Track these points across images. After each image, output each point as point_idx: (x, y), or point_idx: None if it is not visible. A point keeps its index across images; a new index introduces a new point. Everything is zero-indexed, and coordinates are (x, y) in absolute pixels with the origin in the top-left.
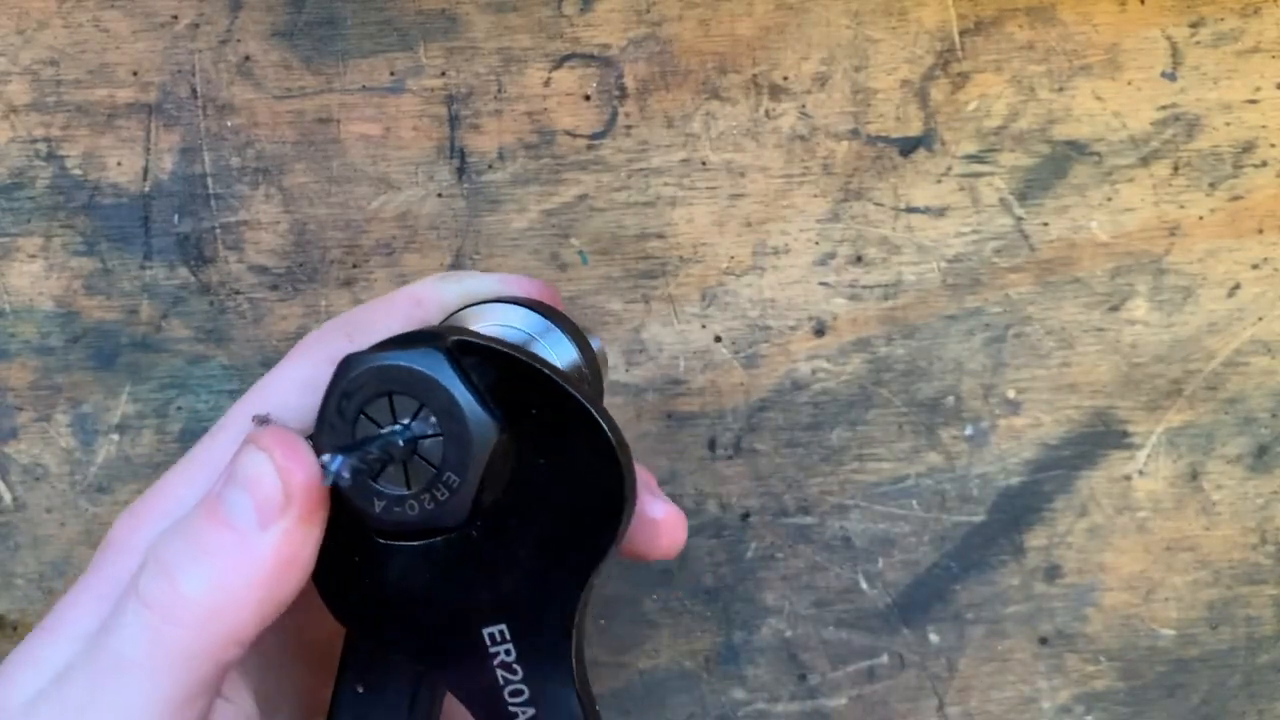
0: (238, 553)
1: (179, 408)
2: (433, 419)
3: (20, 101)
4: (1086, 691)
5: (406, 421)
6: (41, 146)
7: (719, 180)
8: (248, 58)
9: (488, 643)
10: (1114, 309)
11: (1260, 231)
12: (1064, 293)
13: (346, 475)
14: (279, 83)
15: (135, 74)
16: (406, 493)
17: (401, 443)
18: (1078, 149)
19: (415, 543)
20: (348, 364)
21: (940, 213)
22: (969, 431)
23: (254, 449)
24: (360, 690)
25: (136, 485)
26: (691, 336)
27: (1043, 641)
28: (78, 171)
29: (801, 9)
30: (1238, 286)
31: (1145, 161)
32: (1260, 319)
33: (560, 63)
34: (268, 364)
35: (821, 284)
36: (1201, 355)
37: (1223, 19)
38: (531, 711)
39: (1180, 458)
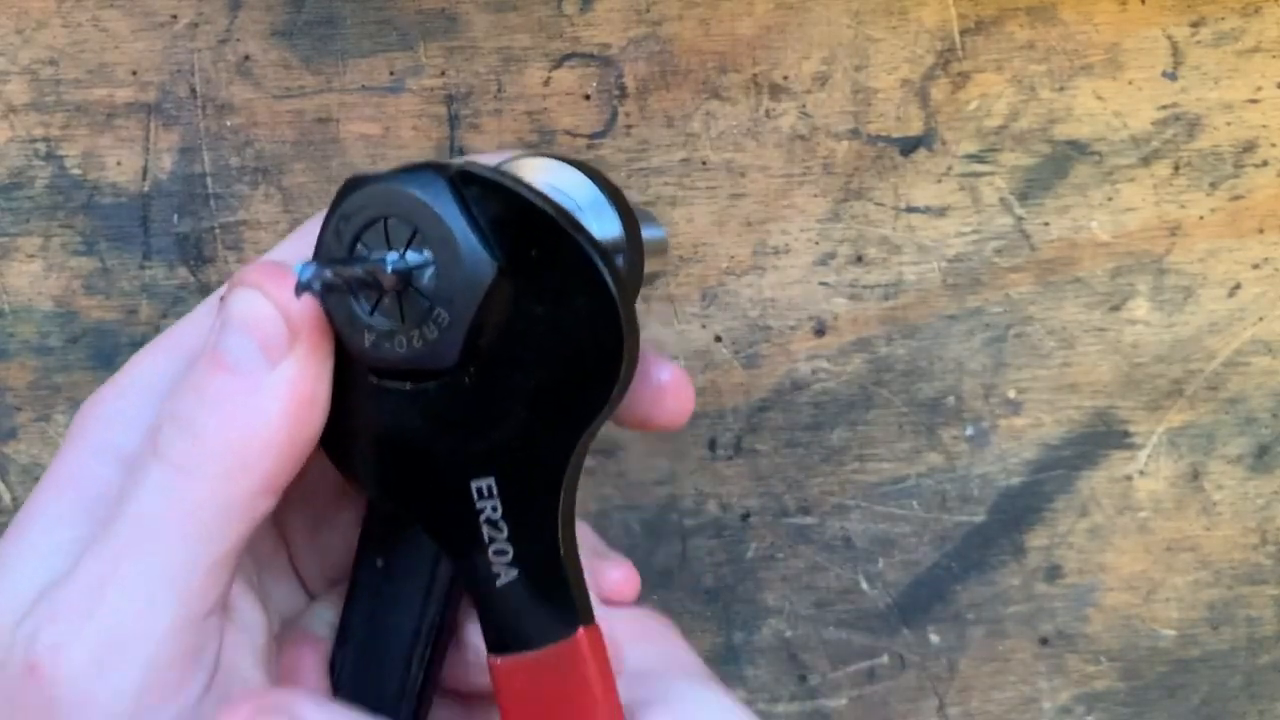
0: (253, 396)
1: None
2: (427, 250)
3: (19, 101)
4: (1087, 692)
5: (401, 251)
6: (41, 146)
7: (719, 180)
8: (247, 57)
9: (475, 497)
10: (1115, 309)
11: (1261, 231)
12: (1065, 292)
13: (316, 286)
14: (278, 82)
15: (134, 74)
16: (396, 327)
17: (391, 270)
18: (1078, 149)
19: (408, 385)
20: (349, 186)
21: (941, 212)
22: (969, 432)
23: (243, 288)
24: (380, 564)
25: None
26: (691, 336)
27: (1043, 642)
28: (77, 171)
29: (802, 8)
30: (1238, 286)
31: (1146, 161)
32: (1261, 319)
33: (560, 62)
34: None
35: (822, 284)
36: (1202, 355)
37: (1223, 18)
38: (515, 573)
39: (1181, 458)
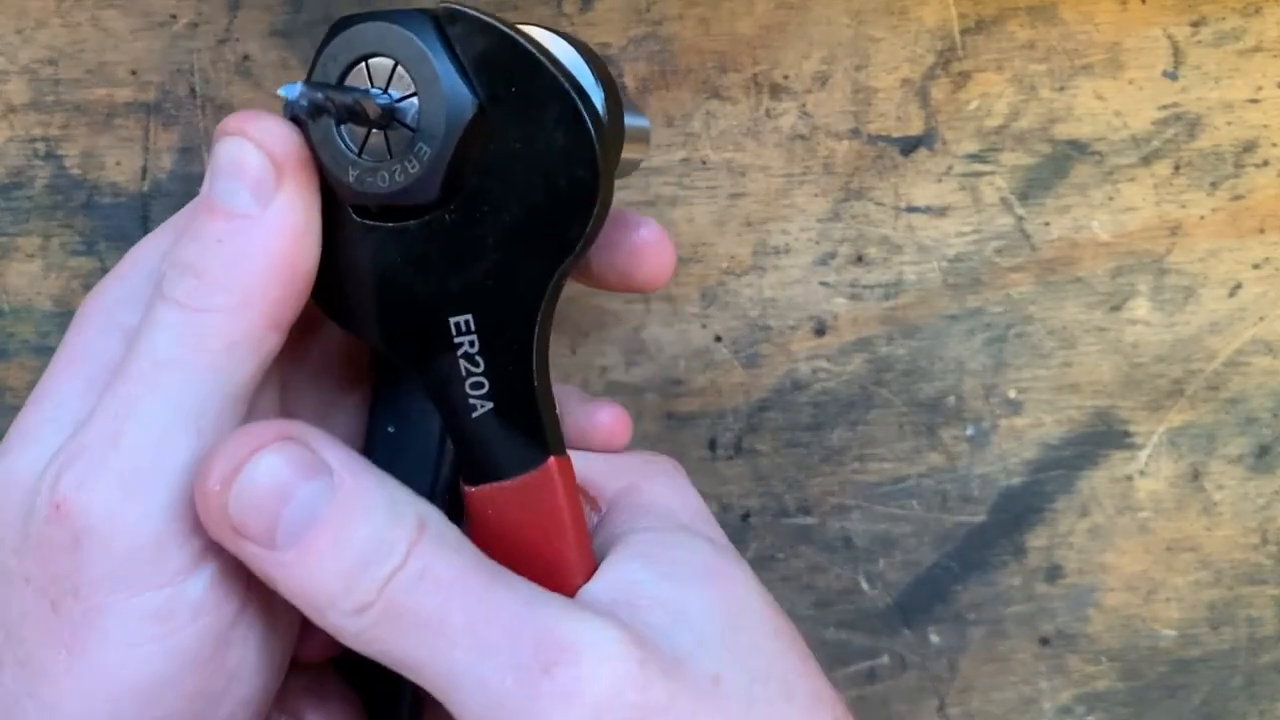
0: (250, 233)
1: None
2: (411, 86)
3: (19, 101)
4: (1087, 692)
5: (384, 87)
6: (40, 146)
7: (719, 179)
8: (247, 57)
9: (453, 332)
10: (1115, 309)
11: (1261, 231)
12: (1065, 292)
13: (304, 104)
14: (278, 82)
15: (134, 73)
16: (379, 161)
17: (376, 102)
18: (1079, 148)
19: (390, 223)
20: (337, 25)
21: (941, 212)
22: (970, 431)
23: (227, 136)
24: (391, 430)
25: None
26: (691, 336)
27: (1044, 642)
28: (76, 171)
29: (802, 8)
30: (1239, 286)
31: (1146, 161)
32: (1261, 319)
33: None
34: None
35: (822, 284)
36: (1203, 355)
37: (1224, 18)
38: (489, 405)
39: (1181, 458)
